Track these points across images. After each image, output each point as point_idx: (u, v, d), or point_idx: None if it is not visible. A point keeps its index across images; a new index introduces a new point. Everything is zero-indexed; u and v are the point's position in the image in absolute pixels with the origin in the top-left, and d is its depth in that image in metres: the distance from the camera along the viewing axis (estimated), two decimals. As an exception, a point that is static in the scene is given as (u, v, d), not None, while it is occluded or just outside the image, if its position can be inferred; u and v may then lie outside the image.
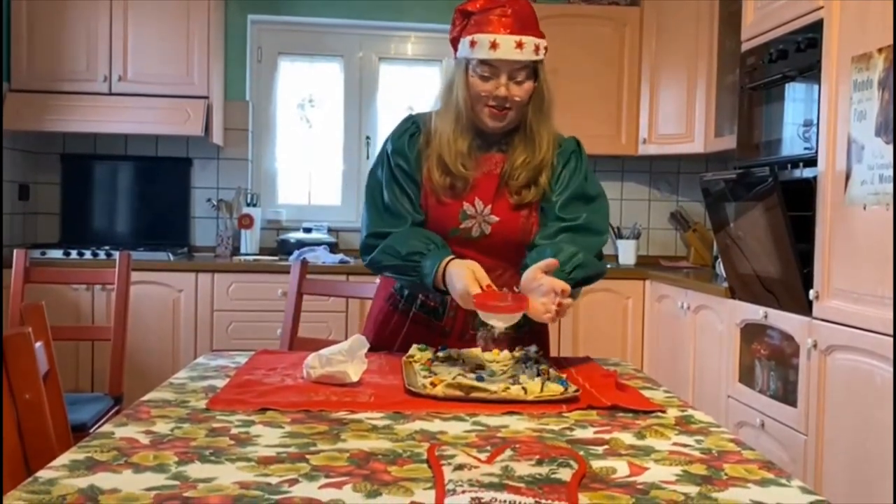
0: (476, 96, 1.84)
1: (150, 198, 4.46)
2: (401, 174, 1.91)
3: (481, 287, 1.65)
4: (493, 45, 1.78)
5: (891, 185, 2.26)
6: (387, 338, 2.00)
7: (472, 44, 1.81)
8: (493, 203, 1.88)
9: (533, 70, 1.85)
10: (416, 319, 1.96)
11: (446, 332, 1.93)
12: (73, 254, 3.91)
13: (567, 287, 1.63)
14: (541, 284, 1.64)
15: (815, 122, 2.71)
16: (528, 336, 1.92)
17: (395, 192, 1.90)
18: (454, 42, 1.89)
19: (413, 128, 1.95)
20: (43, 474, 1.04)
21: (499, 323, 1.64)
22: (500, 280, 1.79)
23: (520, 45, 1.78)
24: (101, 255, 3.91)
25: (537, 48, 1.82)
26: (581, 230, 1.85)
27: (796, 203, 2.71)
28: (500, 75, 1.81)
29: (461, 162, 1.86)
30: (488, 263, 1.79)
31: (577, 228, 1.85)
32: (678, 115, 4.24)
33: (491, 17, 1.80)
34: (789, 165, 2.88)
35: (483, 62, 1.81)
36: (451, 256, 1.76)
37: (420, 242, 1.81)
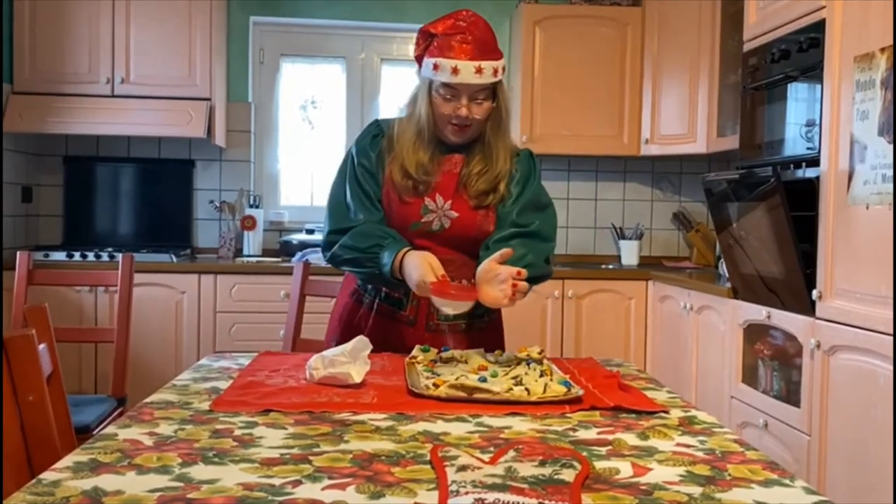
0: (439, 115, 1.97)
1: (153, 199, 4.46)
2: (362, 172, 2.03)
3: (436, 276, 1.77)
4: (455, 71, 1.90)
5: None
6: (353, 331, 2.05)
7: (435, 67, 1.92)
8: (453, 199, 2.00)
9: (492, 90, 1.97)
10: (381, 311, 2.06)
11: (410, 321, 2.03)
12: (76, 256, 3.91)
13: (522, 270, 1.76)
14: (497, 274, 1.77)
15: (818, 121, 2.70)
16: (488, 327, 2.07)
17: (356, 190, 2.02)
18: (418, 59, 2.00)
19: (376, 129, 2.08)
20: (47, 476, 1.05)
21: (450, 310, 1.81)
22: (458, 272, 1.91)
23: (479, 70, 1.91)
24: (104, 256, 3.92)
25: (496, 71, 1.94)
26: (533, 236, 1.98)
27: (799, 203, 2.70)
28: (461, 97, 1.94)
29: (423, 171, 1.98)
30: (446, 255, 1.92)
31: (529, 234, 1.98)
32: (680, 116, 4.24)
33: (452, 43, 1.91)
34: (792, 165, 2.88)
35: (445, 85, 1.93)
36: (408, 248, 1.88)
37: (377, 236, 1.92)
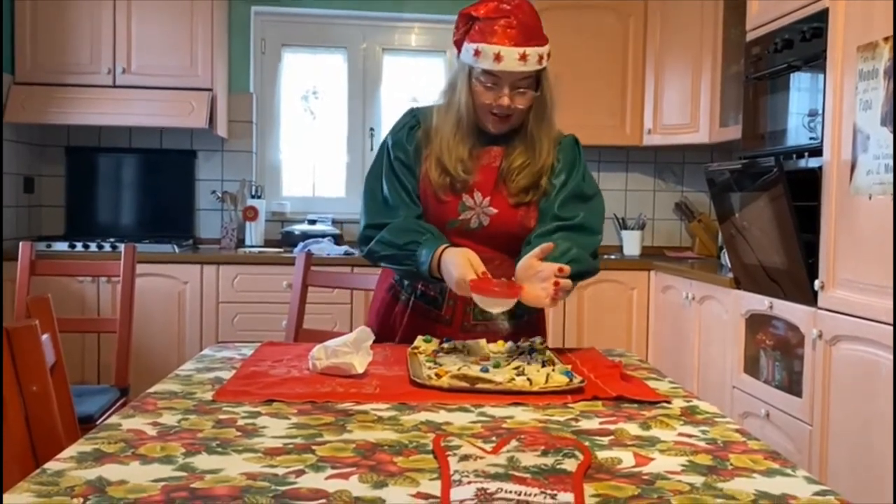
0: (479, 104, 1.86)
1: (155, 190, 4.46)
2: (399, 167, 1.93)
3: (476, 274, 1.68)
4: (498, 58, 1.79)
5: (896, 175, 2.26)
6: (389, 328, 2.02)
7: (477, 53, 1.81)
8: (492, 195, 1.90)
9: (535, 79, 1.86)
10: (417, 309, 1.98)
11: (446, 321, 1.95)
12: (79, 246, 3.92)
13: (565, 267, 1.65)
14: (539, 271, 1.67)
15: (821, 111, 2.70)
16: (527, 327, 1.96)
17: (394, 185, 1.92)
18: (457, 44, 1.89)
19: (413, 121, 1.97)
20: (51, 466, 1.05)
21: (494, 308, 1.69)
22: (497, 270, 1.80)
23: (523, 57, 1.79)
24: (107, 247, 3.92)
25: (541, 58, 1.83)
26: (577, 229, 1.87)
27: (801, 193, 2.70)
28: (504, 86, 1.83)
29: (462, 168, 1.88)
30: (486, 253, 1.81)
31: (573, 227, 1.87)
32: (683, 106, 4.23)
33: (496, 28, 1.79)
34: (794, 155, 2.88)
35: (487, 72, 1.82)
36: (446, 245, 1.78)
37: (415, 232, 1.83)
